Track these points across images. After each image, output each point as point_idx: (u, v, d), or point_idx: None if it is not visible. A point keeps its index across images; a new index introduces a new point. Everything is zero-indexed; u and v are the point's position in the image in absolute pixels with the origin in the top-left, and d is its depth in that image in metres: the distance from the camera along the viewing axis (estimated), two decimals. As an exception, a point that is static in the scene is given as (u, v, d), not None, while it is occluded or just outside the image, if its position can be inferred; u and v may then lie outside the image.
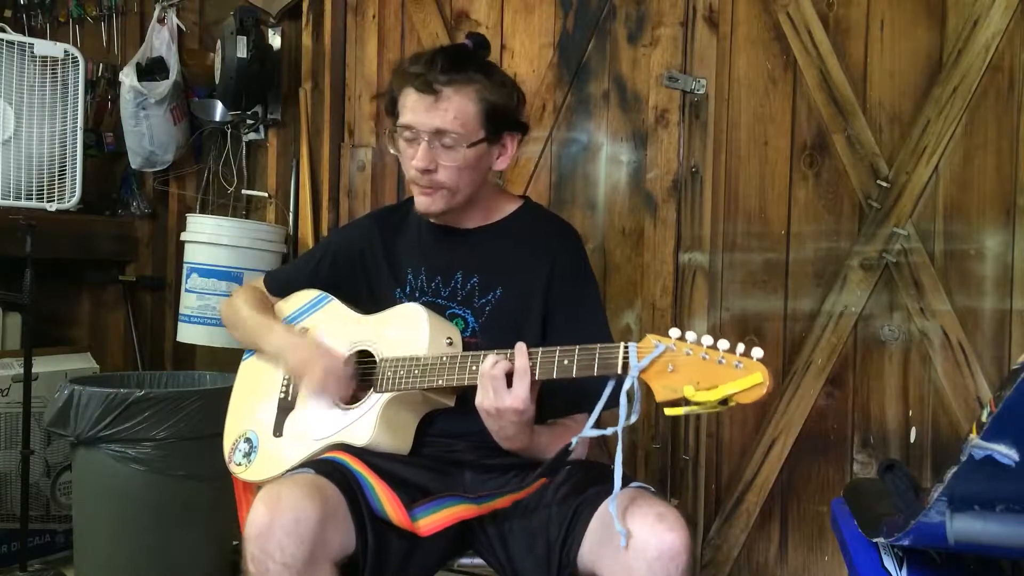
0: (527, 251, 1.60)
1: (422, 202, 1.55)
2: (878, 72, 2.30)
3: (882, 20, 2.30)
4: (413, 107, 1.51)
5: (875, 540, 1.33)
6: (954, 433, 2.24)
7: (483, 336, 1.55)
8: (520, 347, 1.35)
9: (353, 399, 1.56)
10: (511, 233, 1.63)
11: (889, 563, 1.31)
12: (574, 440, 1.33)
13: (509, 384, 1.34)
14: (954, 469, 1.01)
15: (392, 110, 1.58)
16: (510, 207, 1.66)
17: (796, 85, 2.36)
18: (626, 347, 1.25)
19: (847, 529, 1.46)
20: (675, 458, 2.45)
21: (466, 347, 1.52)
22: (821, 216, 2.35)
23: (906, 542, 1.19)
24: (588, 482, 1.40)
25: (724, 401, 1.16)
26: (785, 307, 2.38)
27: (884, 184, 2.29)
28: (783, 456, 2.37)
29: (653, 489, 1.40)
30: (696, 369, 1.19)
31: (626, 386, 1.23)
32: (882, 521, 1.29)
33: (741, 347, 1.18)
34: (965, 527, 1.07)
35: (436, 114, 1.49)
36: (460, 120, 1.49)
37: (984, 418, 0.96)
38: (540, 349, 1.34)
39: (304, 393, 1.59)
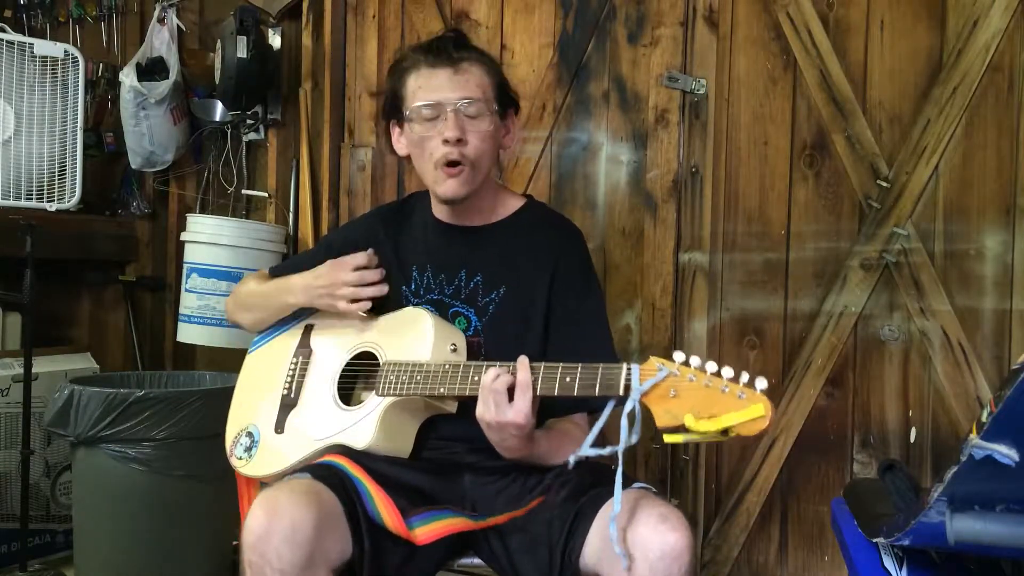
0: (531, 250, 1.60)
1: (450, 186, 1.54)
2: (878, 72, 2.30)
3: (882, 20, 2.30)
4: (431, 83, 1.53)
5: (875, 540, 1.33)
6: (954, 433, 2.24)
7: (486, 335, 1.55)
8: (523, 361, 1.34)
9: (355, 401, 1.56)
10: (515, 231, 1.63)
11: (889, 563, 1.31)
12: (571, 459, 1.31)
13: (510, 397, 1.33)
14: (954, 469, 1.01)
15: (394, 105, 1.59)
16: (514, 205, 1.66)
17: (796, 85, 2.36)
18: (629, 369, 1.24)
19: (847, 529, 1.46)
20: (675, 458, 2.45)
21: (469, 345, 1.52)
22: (821, 216, 2.35)
23: (906, 542, 1.19)
24: (589, 484, 1.40)
25: (724, 432, 1.15)
26: (785, 307, 2.38)
27: (884, 184, 2.29)
28: (783, 456, 2.37)
29: (655, 490, 1.40)
30: (698, 397, 1.17)
31: (627, 408, 1.22)
32: (882, 521, 1.29)
33: (745, 377, 1.16)
34: (965, 527, 1.07)
35: (459, 83, 1.52)
36: (482, 88, 1.54)
37: (984, 418, 0.96)
38: (542, 364, 1.34)
39: (310, 382, 1.58)
